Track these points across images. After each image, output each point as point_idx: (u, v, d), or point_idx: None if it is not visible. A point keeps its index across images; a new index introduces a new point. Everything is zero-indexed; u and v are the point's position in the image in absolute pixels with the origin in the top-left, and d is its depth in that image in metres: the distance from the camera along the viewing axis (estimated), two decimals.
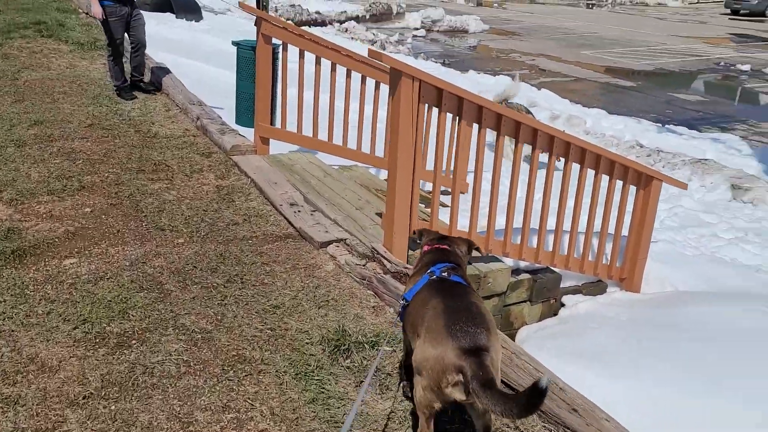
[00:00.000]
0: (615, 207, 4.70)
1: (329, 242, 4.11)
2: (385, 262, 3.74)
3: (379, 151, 6.08)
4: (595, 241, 4.81)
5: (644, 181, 4.75)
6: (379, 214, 4.41)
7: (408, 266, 3.67)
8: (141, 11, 6.84)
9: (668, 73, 18.45)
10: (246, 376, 2.79)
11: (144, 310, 3.22)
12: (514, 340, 4.53)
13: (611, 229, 4.83)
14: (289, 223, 4.40)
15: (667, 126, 11.23)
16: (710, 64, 20.15)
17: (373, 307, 3.44)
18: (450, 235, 3.05)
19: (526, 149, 4.24)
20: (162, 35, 10.62)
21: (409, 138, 3.65)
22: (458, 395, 2.03)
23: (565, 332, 4.24)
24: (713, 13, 34.68)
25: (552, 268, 4.71)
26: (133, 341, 2.98)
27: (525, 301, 4.67)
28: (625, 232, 4.91)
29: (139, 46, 6.86)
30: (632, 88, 16.68)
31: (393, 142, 3.66)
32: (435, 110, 3.85)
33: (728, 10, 33.40)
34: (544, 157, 4.49)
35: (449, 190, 5.88)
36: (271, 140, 5.68)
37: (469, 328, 2.07)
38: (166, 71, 7.75)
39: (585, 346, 3.95)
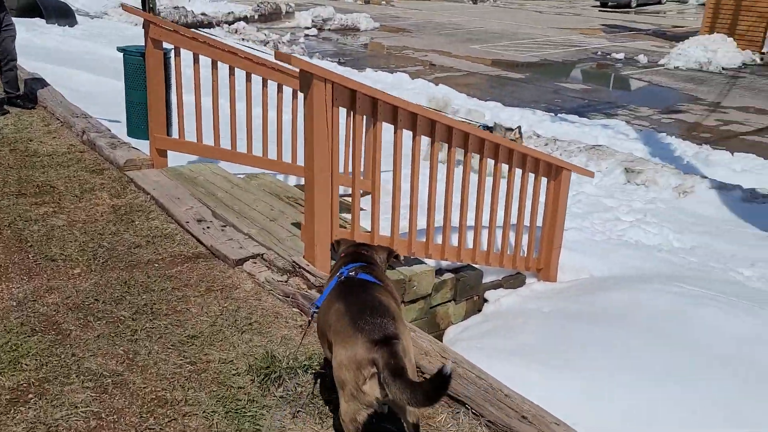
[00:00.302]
0: (528, 199, 4.74)
1: (245, 259, 3.83)
2: (309, 275, 3.52)
3: (287, 157, 5.82)
4: (512, 235, 4.82)
5: (554, 171, 4.82)
6: (297, 225, 4.17)
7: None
8: (12, 19, 6.18)
9: (552, 63, 19.30)
10: (169, 421, 2.49)
11: (39, 357, 2.83)
12: (441, 341, 4.47)
13: (527, 222, 4.87)
14: (198, 241, 4.08)
15: (559, 115, 11.67)
16: (588, 53, 21.30)
17: (301, 326, 3.22)
18: (370, 244, 2.89)
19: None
20: (33, 43, 9.76)
21: (325, 143, 3.46)
22: (377, 390, 1.99)
23: (494, 330, 4.20)
24: (585, 6, 36.82)
25: (473, 265, 4.67)
26: (30, 395, 2.59)
27: (450, 301, 4.61)
28: (539, 223, 4.96)
29: (8, 60, 6.20)
30: (521, 79, 17.28)
31: (308, 149, 3.45)
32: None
33: (598, 3, 35.57)
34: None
35: (362, 192, 5.77)
36: (169, 152, 5.28)
37: (375, 320, 2.05)
38: (42, 82, 7.08)
39: (516, 343, 3.92)
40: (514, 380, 2.89)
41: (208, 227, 4.22)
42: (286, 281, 3.55)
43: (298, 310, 3.35)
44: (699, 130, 12.89)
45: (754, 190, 7.69)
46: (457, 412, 2.56)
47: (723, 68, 19.48)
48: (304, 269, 3.57)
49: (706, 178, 7.96)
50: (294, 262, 3.66)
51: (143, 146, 5.39)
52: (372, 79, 12.49)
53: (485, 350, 3.85)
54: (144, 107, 5.27)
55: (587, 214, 6.34)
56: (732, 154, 9.52)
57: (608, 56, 20.65)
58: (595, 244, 5.54)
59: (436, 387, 1.84)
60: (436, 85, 12.81)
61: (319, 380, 2.76)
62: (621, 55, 20.47)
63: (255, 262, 3.81)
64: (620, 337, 3.75)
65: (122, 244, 3.94)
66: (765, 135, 12.75)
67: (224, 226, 4.27)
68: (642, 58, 19.98)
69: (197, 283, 3.58)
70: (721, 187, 7.73)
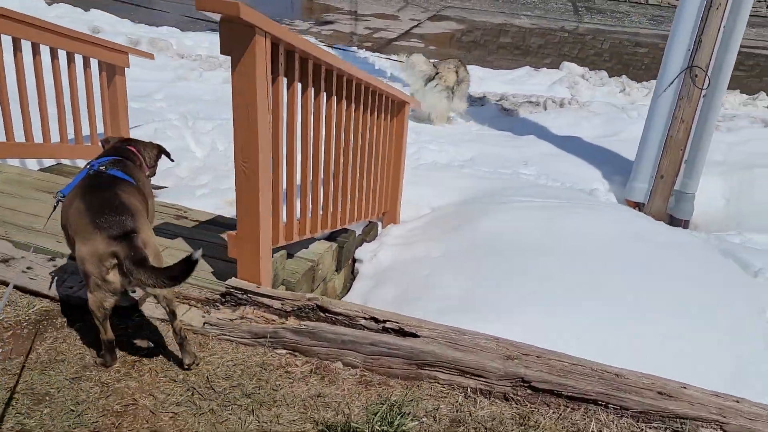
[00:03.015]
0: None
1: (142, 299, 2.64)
2: (266, 299, 2.60)
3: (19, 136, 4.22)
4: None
5: (397, 107, 4.48)
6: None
7: (303, 295, 2.64)
8: None
9: None
10: None
11: None
12: None
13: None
14: (36, 293, 2.64)
15: None
16: None
17: (316, 371, 2.39)
18: (139, 140, 2.80)
19: None
20: None
21: (267, 125, 2.49)
22: (120, 278, 2.13)
23: (407, 293, 3.81)
24: None
25: (346, 227, 4.14)
26: None
27: (334, 273, 4.03)
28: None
29: None
30: None
31: (247, 135, 2.43)
32: None
33: None
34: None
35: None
36: None
37: (113, 217, 2.15)
38: None
39: (443, 302, 3.63)
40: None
41: (29, 267, 2.76)
42: (240, 317, 2.57)
43: (287, 350, 2.48)
44: (360, 39, 13.59)
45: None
46: (589, 412, 2.25)
47: None
48: (255, 293, 2.62)
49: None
50: (232, 287, 2.65)
51: None
52: None
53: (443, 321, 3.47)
54: None
55: None
56: None
57: None
58: (410, 173, 5.44)
59: (183, 270, 2.01)
60: (87, 10, 10.59)
61: None
62: None
63: (152, 300, 2.65)
64: (538, 265, 3.81)
65: None
66: (410, 39, 14.17)
67: (52, 259, 2.85)
68: None
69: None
70: None
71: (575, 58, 13.04)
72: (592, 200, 5.17)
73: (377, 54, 10.59)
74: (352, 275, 4.36)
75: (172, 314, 2.28)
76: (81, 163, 4.98)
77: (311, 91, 2.96)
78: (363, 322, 2.52)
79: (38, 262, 2.80)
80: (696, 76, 5.29)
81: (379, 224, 4.82)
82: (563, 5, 19.52)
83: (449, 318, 3.35)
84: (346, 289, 4.24)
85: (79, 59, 4.61)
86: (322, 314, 2.56)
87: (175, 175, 5.00)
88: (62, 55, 4.41)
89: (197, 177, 4.91)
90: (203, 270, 2.92)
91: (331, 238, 4.07)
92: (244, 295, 2.62)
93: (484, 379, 2.33)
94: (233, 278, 2.71)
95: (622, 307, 3.49)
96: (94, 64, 4.78)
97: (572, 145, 6.65)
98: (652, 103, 5.61)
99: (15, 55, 4.04)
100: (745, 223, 5.78)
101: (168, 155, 2.87)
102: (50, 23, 4.24)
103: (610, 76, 9.82)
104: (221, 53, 2.34)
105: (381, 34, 14.42)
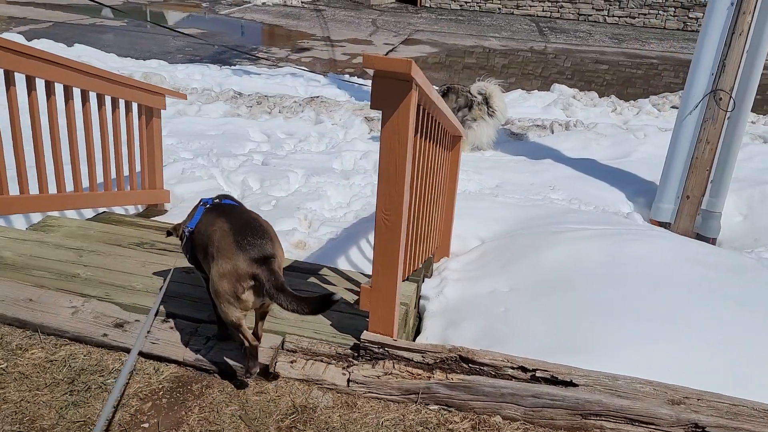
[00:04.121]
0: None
1: (271, 361, 2.54)
2: (405, 352, 2.54)
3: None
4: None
5: (453, 141, 4.48)
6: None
7: (443, 346, 2.58)
8: None
9: (134, 5, 17.58)
10: None
11: None
12: None
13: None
14: (162, 358, 2.51)
15: (232, 68, 10.76)
16: None
17: (478, 427, 2.33)
18: None
19: None
20: None
21: (410, 178, 2.45)
22: (253, 298, 2.25)
23: (490, 334, 3.76)
24: None
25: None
26: None
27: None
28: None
29: None
30: (122, 27, 15.33)
31: (394, 188, 2.38)
32: None
33: None
34: None
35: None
36: None
37: (255, 240, 2.26)
38: None
39: (529, 343, 3.61)
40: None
41: (149, 332, 2.62)
42: (385, 373, 2.49)
43: (439, 406, 2.41)
44: (341, 66, 13.61)
45: None
46: None
47: (303, 2, 20.84)
48: (393, 346, 2.56)
49: None
50: (368, 341, 2.58)
51: None
52: None
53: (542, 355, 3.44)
54: None
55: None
56: None
57: None
58: None
59: (320, 304, 2.15)
60: (71, 46, 10.28)
61: None
62: None
63: (293, 360, 2.56)
64: (615, 298, 3.83)
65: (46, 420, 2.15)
66: None
67: (166, 320, 2.71)
68: None
69: (257, 425, 2.23)
70: None
71: (539, 77, 13.39)
72: (634, 224, 5.26)
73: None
74: (418, 313, 4.31)
75: (257, 337, 2.48)
76: (119, 210, 4.80)
77: (419, 138, 2.93)
78: (510, 371, 2.49)
79: (154, 324, 2.67)
80: (720, 99, 5.48)
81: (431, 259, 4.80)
82: (528, 26, 20.01)
83: (556, 359, 3.35)
84: (415, 327, 4.18)
85: (122, 104, 4.47)
86: (465, 365, 2.51)
87: None
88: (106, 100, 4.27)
89: None
90: (321, 323, 2.83)
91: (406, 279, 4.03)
92: (381, 349, 2.55)
93: (654, 426, 2.31)
94: (366, 332, 2.63)
95: (704, 333, 3.54)
96: (133, 107, 4.64)
97: (589, 167, 6.77)
98: (676, 125, 5.77)
99: (66, 104, 3.90)
100: (765, 238, 5.99)
101: None
102: (98, 69, 4.10)
103: (600, 97, 10.08)
104: (372, 108, 2.29)
105: (360, 59, 14.46)
